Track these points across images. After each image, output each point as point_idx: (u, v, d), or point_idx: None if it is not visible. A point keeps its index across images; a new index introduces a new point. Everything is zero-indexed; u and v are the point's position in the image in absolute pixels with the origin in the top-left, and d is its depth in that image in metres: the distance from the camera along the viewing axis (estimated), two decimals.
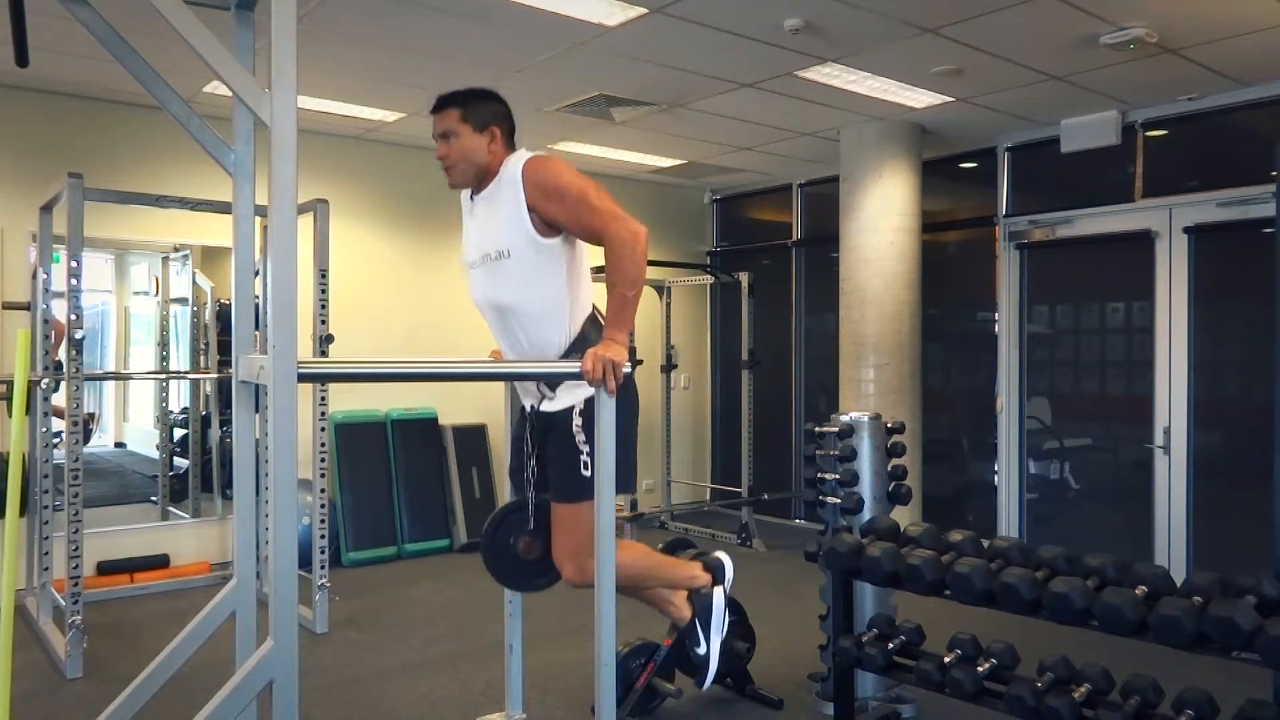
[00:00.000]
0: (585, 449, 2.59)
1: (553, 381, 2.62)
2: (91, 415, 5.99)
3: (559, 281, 2.56)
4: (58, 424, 4.22)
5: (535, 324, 2.60)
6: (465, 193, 2.74)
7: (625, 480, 2.55)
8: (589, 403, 2.54)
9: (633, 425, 2.71)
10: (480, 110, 2.60)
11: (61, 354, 4.07)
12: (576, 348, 2.54)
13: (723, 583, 3.12)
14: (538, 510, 2.78)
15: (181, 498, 5.82)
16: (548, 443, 2.69)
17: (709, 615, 3.05)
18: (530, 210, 2.51)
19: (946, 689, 2.66)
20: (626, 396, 2.61)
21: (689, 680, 3.46)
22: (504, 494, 3.15)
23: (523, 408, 2.80)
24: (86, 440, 4.30)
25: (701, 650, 3.05)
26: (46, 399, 4.49)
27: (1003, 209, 6.02)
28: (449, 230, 6.18)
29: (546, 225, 2.53)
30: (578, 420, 2.60)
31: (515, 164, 2.56)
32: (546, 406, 2.66)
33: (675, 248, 7.59)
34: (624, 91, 4.98)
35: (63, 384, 3.91)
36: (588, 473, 2.57)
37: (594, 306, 2.69)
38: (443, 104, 2.62)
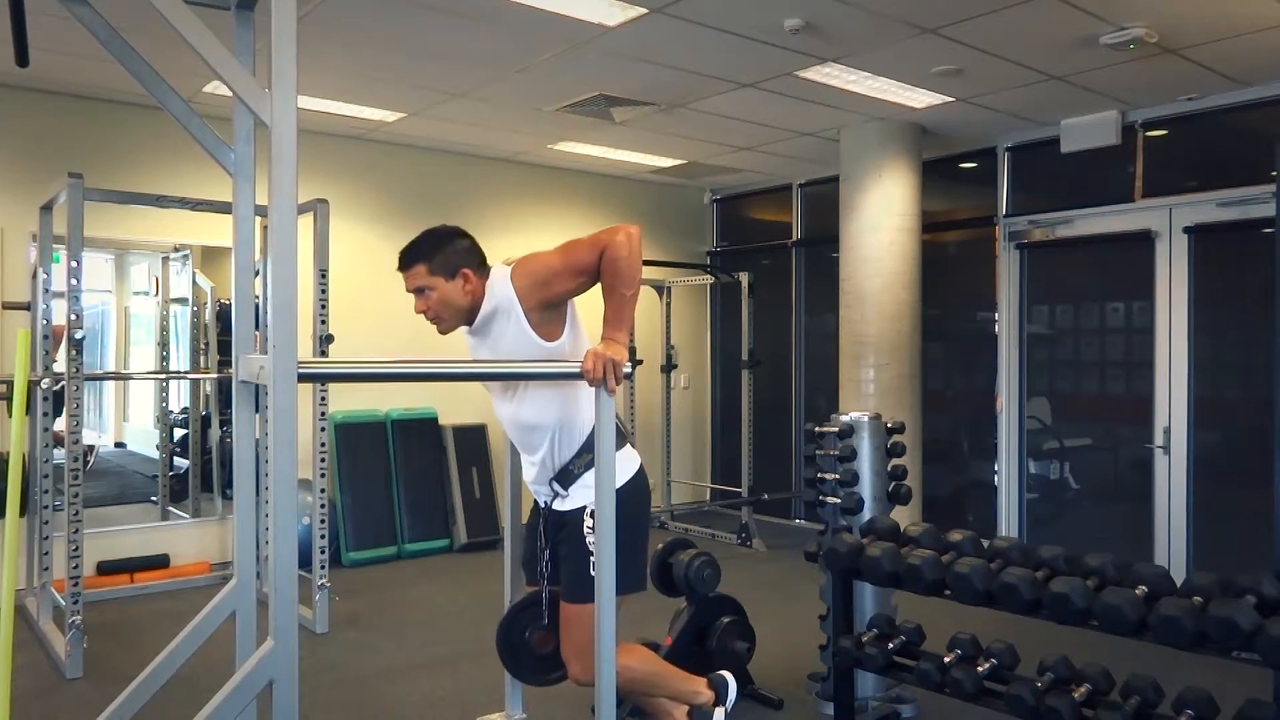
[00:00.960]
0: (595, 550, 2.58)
1: (565, 480, 2.63)
2: (90, 448, 5.97)
3: (573, 392, 2.57)
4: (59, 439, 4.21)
5: (554, 435, 2.61)
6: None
7: (631, 580, 2.56)
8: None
9: (640, 525, 2.71)
10: (445, 257, 2.57)
11: (61, 356, 4.07)
12: (588, 448, 2.57)
13: (724, 704, 3.08)
14: (551, 605, 2.77)
15: (181, 498, 5.82)
16: (560, 540, 2.70)
17: None
18: (530, 314, 2.49)
19: (946, 689, 2.66)
20: (635, 495, 2.63)
21: None
22: (504, 494, 3.14)
23: (535, 503, 2.80)
24: (85, 468, 4.29)
25: None
26: (46, 399, 4.49)
27: (1003, 209, 6.02)
28: None
29: (550, 322, 2.51)
30: (589, 521, 2.59)
31: (501, 283, 2.53)
32: (559, 505, 2.67)
33: (675, 248, 7.59)
34: (624, 91, 4.98)
35: (65, 402, 3.90)
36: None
37: None
38: (407, 262, 2.59)
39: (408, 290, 2.62)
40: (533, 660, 2.89)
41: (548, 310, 2.51)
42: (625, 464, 2.62)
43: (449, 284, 2.57)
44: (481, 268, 2.62)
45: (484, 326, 2.60)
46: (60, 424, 4.11)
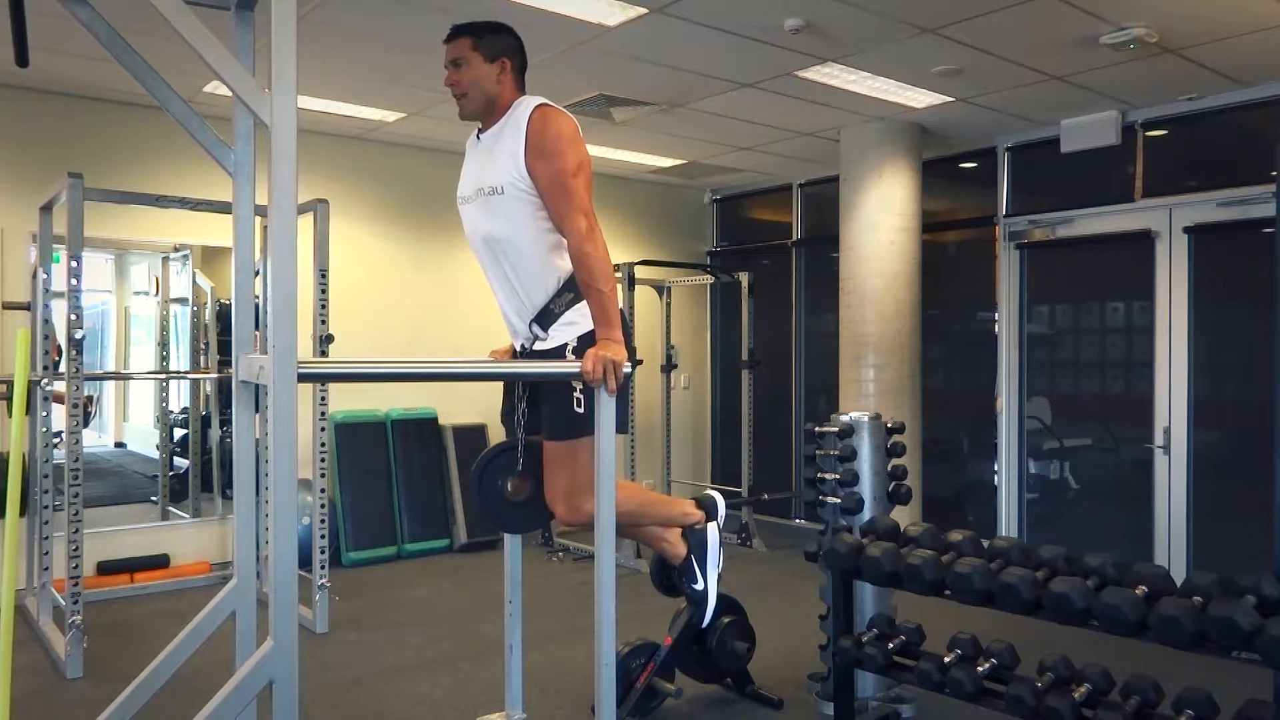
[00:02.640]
0: (577, 386, 2.59)
1: (545, 320, 2.62)
2: (90, 398, 5.97)
3: (548, 233, 2.57)
4: (57, 410, 4.19)
5: (525, 262, 2.60)
6: (472, 134, 2.75)
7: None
8: (581, 340, 2.56)
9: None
10: (492, 41, 2.62)
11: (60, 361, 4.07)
12: (569, 288, 2.58)
13: (716, 518, 3.15)
14: (527, 452, 2.78)
15: (181, 498, 5.82)
16: (540, 382, 2.70)
17: (704, 551, 3.08)
18: (527, 152, 2.52)
19: (946, 689, 2.66)
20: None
21: (689, 680, 3.47)
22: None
23: (512, 347, 2.80)
24: (86, 423, 4.28)
25: (699, 586, 3.08)
26: (46, 397, 4.49)
27: (1003, 209, 6.02)
28: (449, 230, 6.19)
29: None
30: (570, 357, 2.58)
31: (525, 107, 2.58)
32: (540, 346, 2.66)
33: (675, 248, 7.59)
34: (624, 91, 4.98)
35: (64, 361, 3.89)
36: (580, 410, 2.57)
37: None
38: (456, 32, 2.63)
39: (446, 62, 2.63)
40: (509, 508, 2.90)
41: (530, 169, 2.53)
42: None
43: (486, 65, 2.60)
44: (519, 73, 2.68)
45: (493, 136, 2.63)
46: (59, 385, 4.09)
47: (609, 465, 2.21)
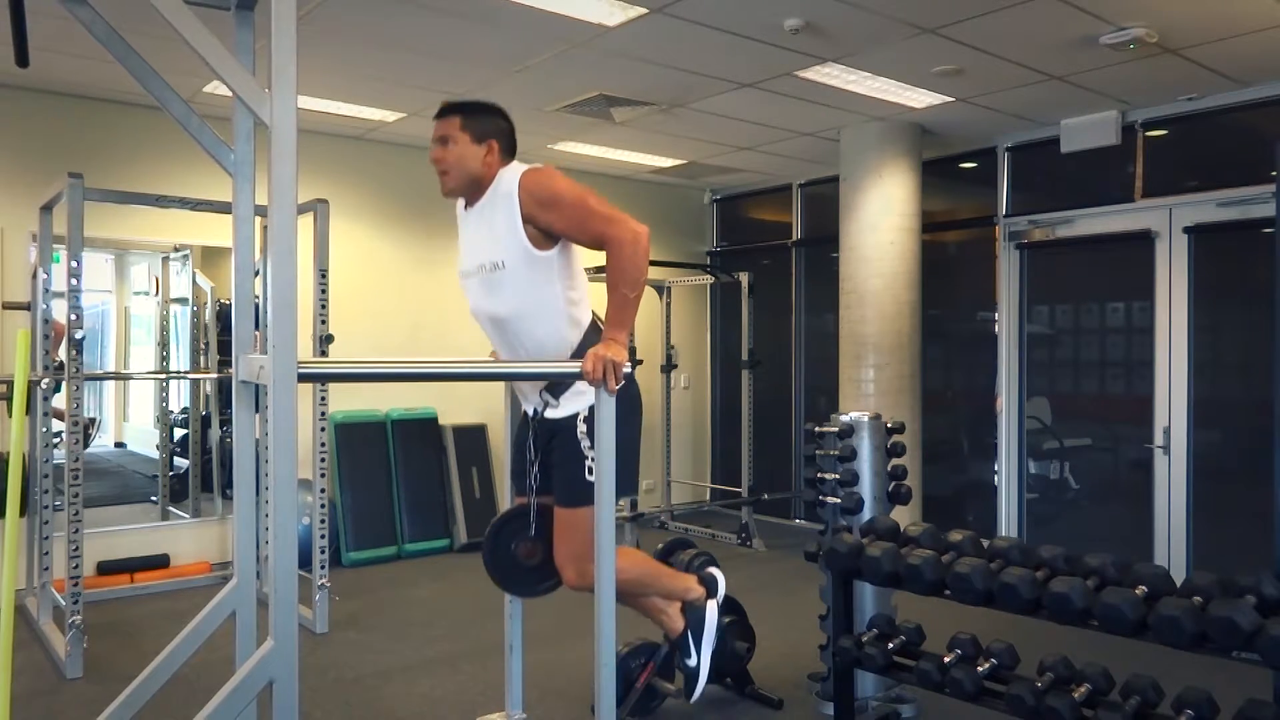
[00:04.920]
0: (589, 454, 2.60)
1: (556, 390, 2.63)
2: (92, 420, 5.99)
3: (555, 292, 2.56)
4: (58, 425, 4.22)
5: (532, 336, 2.60)
6: (460, 203, 2.74)
7: (626, 484, 2.57)
8: (594, 410, 2.55)
9: (635, 429, 2.72)
10: (481, 122, 2.60)
11: (62, 354, 4.07)
12: (577, 356, 2.54)
13: (715, 596, 3.15)
14: (540, 516, 2.79)
15: (181, 498, 5.82)
16: (552, 449, 2.71)
17: (701, 627, 3.07)
18: (525, 222, 2.50)
19: (946, 689, 2.66)
20: (628, 401, 2.61)
21: None
22: (504, 494, 3.14)
23: (525, 413, 2.80)
24: (87, 445, 4.29)
25: (692, 662, 3.07)
26: (47, 399, 4.49)
27: (1003, 209, 6.02)
28: (449, 230, 6.16)
29: (542, 236, 2.52)
30: (582, 427, 2.61)
31: (510, 176, 2.55)
32: (551, 414, 2.68)
33: (675, 248, 7.59)
34: (624, 91, 4.98)
35: (63, 386, 3.91)
36: (591, 478, 2.57)
37: (594, 314, 2.69)
38: (447, 110, 2.62)
39: (433, 138, 2.63)
40: (520, 572, 2.91)
41: (538, 228, 2.52)
42: None
43: (474, 146, 2.59)
44: (507, 154, 2.64)
45: (481, 211, 2.61)
46: (59, 400, 4.10)
47: (609, 466, 2.21)
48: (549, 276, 2.55)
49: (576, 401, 2.63)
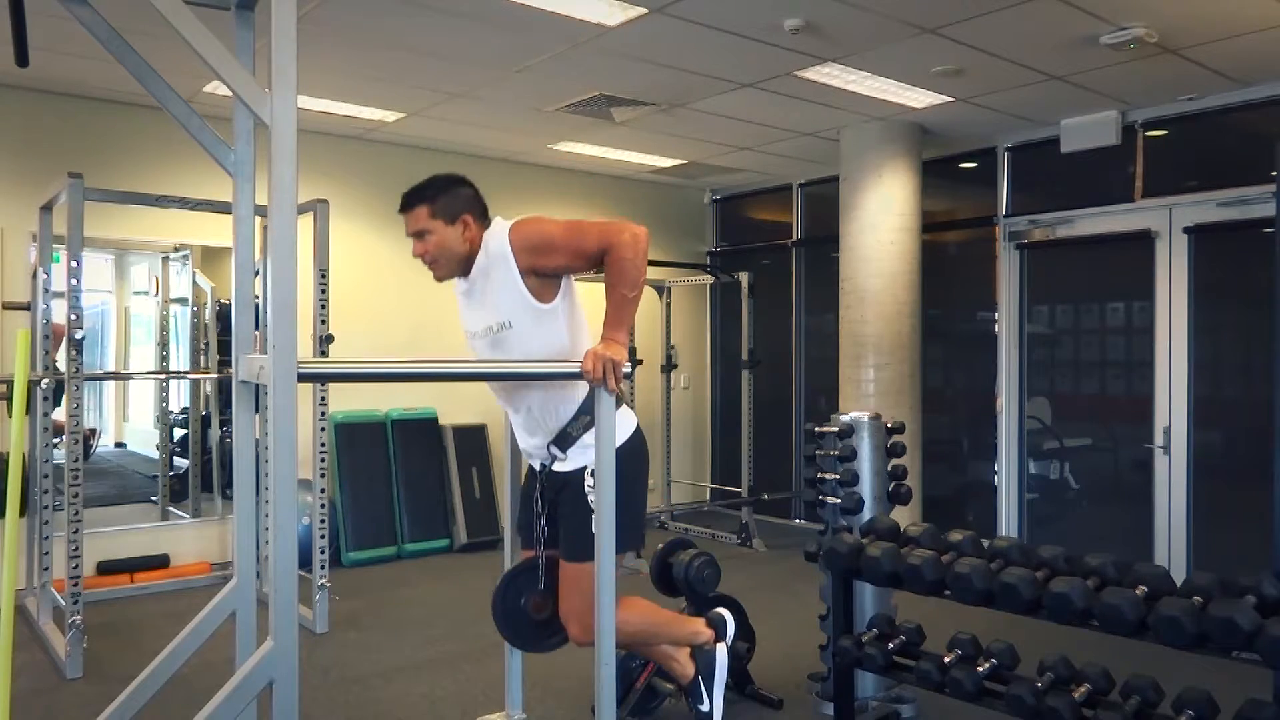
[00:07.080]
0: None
1: (564, 443, 2.63)
2: (93, 431, 5.98)
3: (563, 343, 2.55)
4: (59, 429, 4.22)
5: (540, 390, 2.60)
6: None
7: (630, 538, 2.57)
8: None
9: (640, 485, 2.72)
10: (448, 202, 2.57)
11: (61, 357, 4.07)
12: (585, 410, 2.54)
13: (725, 639, 3.13)
14: (548, 570, 2.78)
15: (181, 498, 5.82)
16: (559, 502, 2.70)
17: (712, 672, 3.06)
18: (525, 275, 2.49)
19: (946, 689, 2.66)
20: (633, 456, 2.63)
21: None
22: (504, 494, 3.14)
23: (531, 467, 2.80)
24: (87, 457, 4.28)
25: (704, 707, 3.04)
26: (47, 399, 4.49)
27: (1003, 209, 6.02)
28: None
29: (544, 288, 2.51)
30: (589, 480, 2.59)
31: (499, 237, 2.53)
32: (559, 467, 2.67)
33: (675, 248, 7.59)
34: (624, 91, 4.98)
35: (63, 399, 3.90)
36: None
37: None
38: (409, 203, 2.59)
39: (408, 233, 2.61)
40: (529, 626, 2.89)
41: (541, 276, 2.51)
42: (623, 423, 2.62)
43: (449, 229, 2.57)
44: (483, 218, 2.62)
45: (478, 279, 2.60)
46: (60, 414, 4.11)
47: (609, 470, 2.21)
48: (555, 328, 2.55)
49: (584, 455, 2.60)
